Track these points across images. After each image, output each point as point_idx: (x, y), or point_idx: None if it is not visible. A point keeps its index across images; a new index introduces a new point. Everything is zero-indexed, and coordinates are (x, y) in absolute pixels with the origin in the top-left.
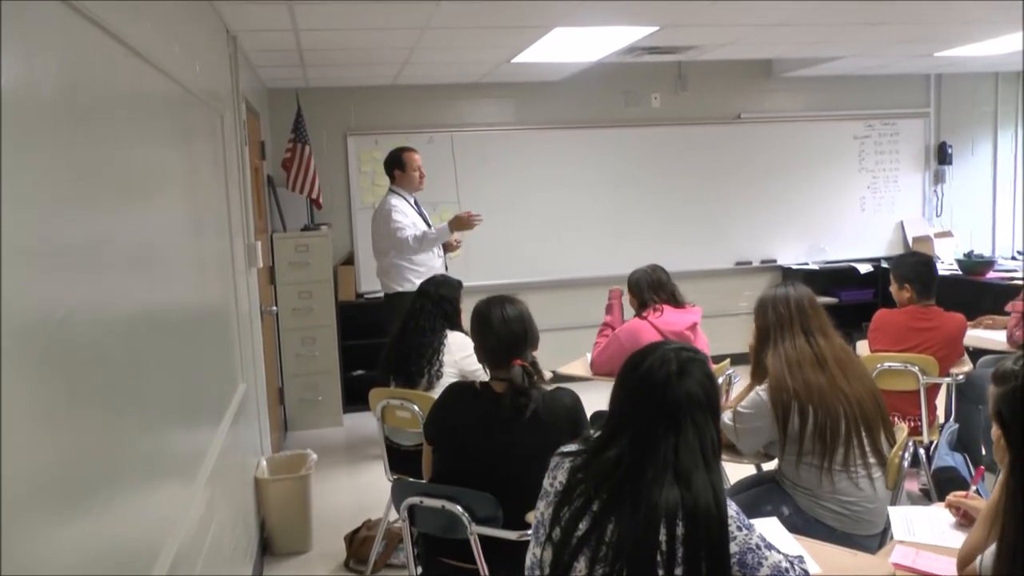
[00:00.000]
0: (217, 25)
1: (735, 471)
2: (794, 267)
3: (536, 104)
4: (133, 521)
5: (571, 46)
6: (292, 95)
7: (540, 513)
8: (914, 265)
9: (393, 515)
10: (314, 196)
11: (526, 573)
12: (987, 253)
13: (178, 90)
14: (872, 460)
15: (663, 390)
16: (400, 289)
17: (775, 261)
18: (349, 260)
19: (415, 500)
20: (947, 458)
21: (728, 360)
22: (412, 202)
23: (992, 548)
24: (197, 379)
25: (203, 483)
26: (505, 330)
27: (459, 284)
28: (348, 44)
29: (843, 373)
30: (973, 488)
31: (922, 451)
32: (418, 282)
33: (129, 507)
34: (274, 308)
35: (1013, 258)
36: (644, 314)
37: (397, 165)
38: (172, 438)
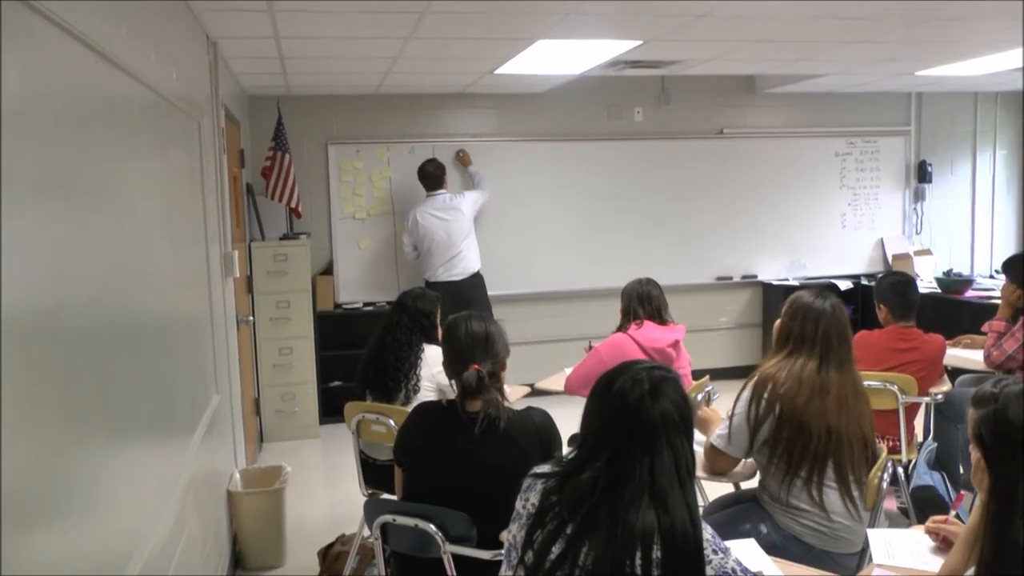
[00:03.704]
0: (196, 31)
1: (714, 490)
2: (775, 283)
3: (519, 116)
4: (95, 534)
5: (555, 58)
6: (273, 103)
7: (512, 535)
8: (890, 285)
9: (368, 531)
10: (293, 205)
11: None
12: (966, 271)
13: (152, 96)
14: (832, 483)
15: (637, 411)
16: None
17: (756, 277)
18: (328, 270)
19: (388, 518)
20: (926, 477)
21: (707, 376)
22: None
23: (971, 572)
24: (167, 389)
25: (172, 496)
26: (467, 338)
27: (437, 298)
28: (330, 52)
29: (839, 408)
30: (953, 513)
31: (901, 470)
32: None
33: (90, 520)
34: (251, 318)
35: (991, 277)
36: (626, 327)
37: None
38: (138, 449)
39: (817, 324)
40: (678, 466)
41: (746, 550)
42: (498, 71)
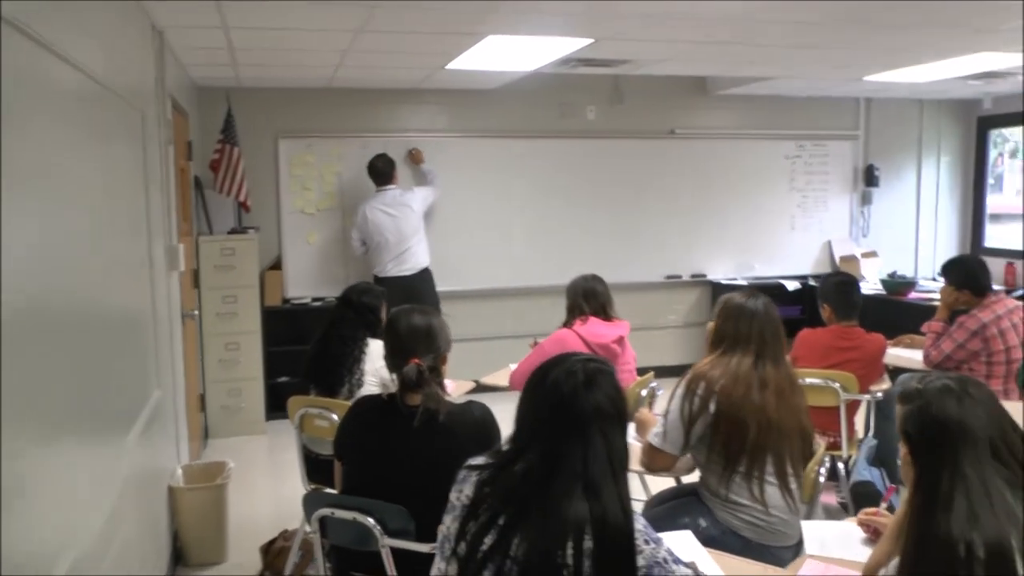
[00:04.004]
0: (142, 20)
1: (656, 484)
2: (723, 282)
3: (471, 112)
4: (18, 532)
5: (506, 55)
6: (223, 94)
7: (446, 527)
8: (835, 285)
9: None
10: (242, 199)
11: None
12: (910, 274)
13: (91, 84)
14: (771, 477)
15: (571, 402)
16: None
17: (705, 276)
18: (276, 265)
19: (327, 512)
20: (865, 472)
21: (652, 373)
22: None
23: (895, 561)
24: (102, 383)
25: (108, 492)
26: (408, 333)
27: (382, 293)
28: (280, 44)
29: (777, 402)
30: (884, 505)
31: (841, 465)
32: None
33: (13, 517)
34: (196, 312)
35: (933, 279)
36: (571, 324)
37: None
38: (69, 444)
39: (751, 323)
40: (611, 457)
41: (682, 542)
42: (449, 66)
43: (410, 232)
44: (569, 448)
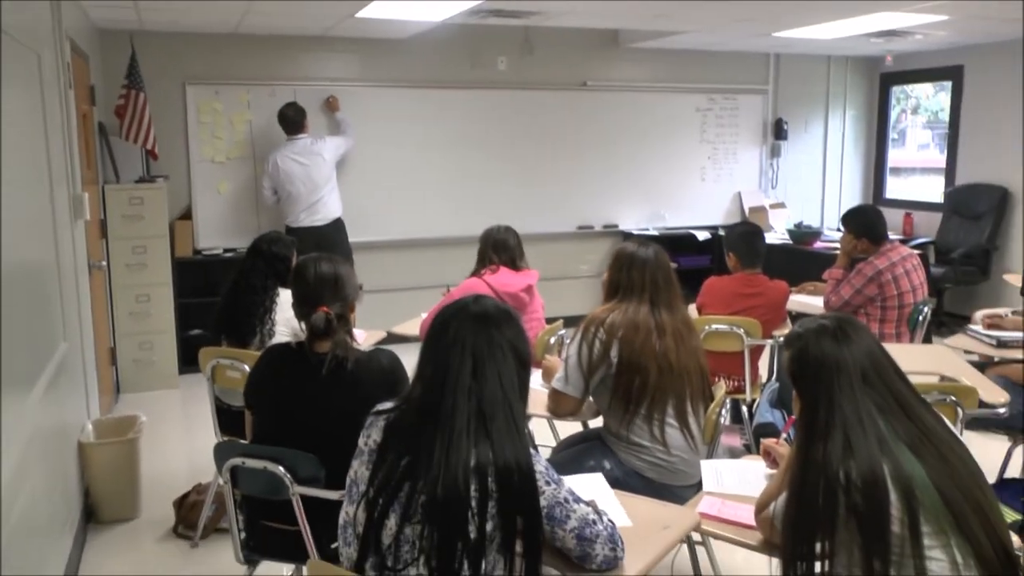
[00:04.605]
0: None
1: (565, 429)
2: (635, 232)
3: (382, 61)
4: None
5: (416, 4)
6: (126, 38)
7: (354, 472)
8: (740, 235)
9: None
10: (149, 146)
11: (339, 532)
12: (816, 224)
13: None
14: (672, 420)
15: (458, 329)
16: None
17: (617, 226)
18: (187, 215)
19: (237, 461)
20: (767, 415)
21: (561, 321)
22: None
23: (784, 495)
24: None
25: (10, 450)
26: (316, 280)
27: (292, 242)
28: None
29: (676, 345)
30: (784, 436)
31: (745, 408)
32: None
33: None
34: (103, 263)
35: (838, 229)
36: (481, 273)
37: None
38: None
39: (644, 271)
40: (503, 382)
41: (592, 484)
42: (359, 14)
43: (322, 181)
44: (458, 361)
